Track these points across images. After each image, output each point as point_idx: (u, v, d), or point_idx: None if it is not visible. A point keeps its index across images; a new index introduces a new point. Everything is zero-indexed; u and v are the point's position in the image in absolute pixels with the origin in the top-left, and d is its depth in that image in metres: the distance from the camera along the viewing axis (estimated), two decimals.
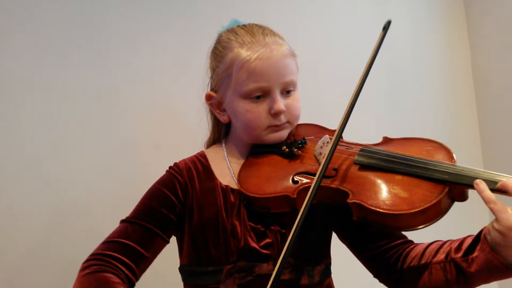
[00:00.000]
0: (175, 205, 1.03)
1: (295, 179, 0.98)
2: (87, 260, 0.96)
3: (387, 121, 1.97)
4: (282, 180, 0.99)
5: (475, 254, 0.87)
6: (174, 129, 1.47)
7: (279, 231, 1.00)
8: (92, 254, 0.97)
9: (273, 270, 0.95)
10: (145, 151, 1.41)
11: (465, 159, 2.19)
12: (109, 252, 0.97)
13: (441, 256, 0.93)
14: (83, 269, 0.95)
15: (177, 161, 1.10)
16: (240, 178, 1.03)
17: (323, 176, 0.89)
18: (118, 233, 1.00)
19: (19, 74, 1.26)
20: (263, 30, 1.06)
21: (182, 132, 1.47)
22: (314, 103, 1.57)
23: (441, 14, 2.26)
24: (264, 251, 0.98)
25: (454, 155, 0.93)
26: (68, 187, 1.29)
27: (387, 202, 0.86)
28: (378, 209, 0.85)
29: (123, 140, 1.40)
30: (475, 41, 2.28)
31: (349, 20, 1.94)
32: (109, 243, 0.99)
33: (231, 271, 0.97)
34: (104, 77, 1.38)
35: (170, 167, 1.09)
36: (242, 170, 1.05)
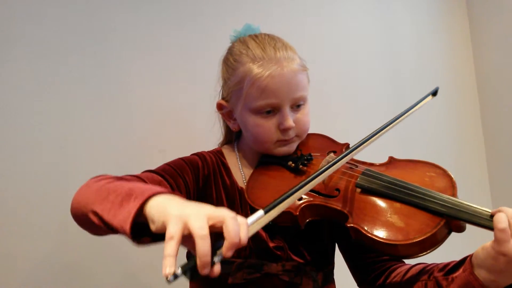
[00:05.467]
0: (192, 181, 1.04)
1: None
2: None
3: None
4: None
5: (456, 273, 0.88)
6: (179, 133, 1.48)
7: (286, 237, 1.04)
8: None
9: (281, 270, 1.00)
10: (150, 156, 1.42)
11: (469, 162, 2.21)
12: (124, 177, 0.93)
13: (424, 275, 0.95)
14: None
15: (201, 151, 1.12)
16: (247, 189, 1.05)
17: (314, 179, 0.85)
18: (136, 174, 0.99)
19: (27, 80, 1.26)
20: (275, 44, 1.05)
21: (186, 137, 1.48)
22: (317, 104, 1.57)
23: (444, 16, 2.21)
24: (276, 251, 1.02)
25: (456, 185, 0.93)
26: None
27: (383, 231, 0.88)
28: (374, 237, 0.88)
29: (129, 145, 1.40)
30: (477, 43, 2.24)
31: (350, 22, 1.92)
32: (125, 175, 0.96)
33: (241, 266, 1.00)
34: (109, 81, 1.38)
35: (197, 153, 1.11)
36: (250, 180, 1.08)
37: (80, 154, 1.33)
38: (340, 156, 0.88)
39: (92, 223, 0.78)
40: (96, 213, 0.76)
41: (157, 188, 0.72)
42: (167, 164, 1.05)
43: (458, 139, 2.20)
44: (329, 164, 0.85)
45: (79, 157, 1.33)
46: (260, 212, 0.70)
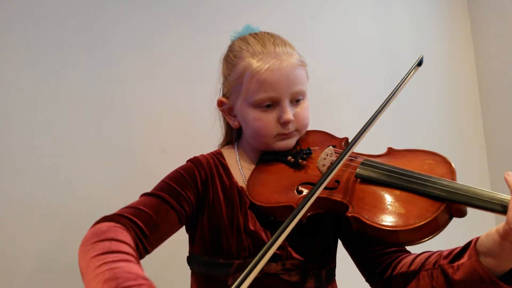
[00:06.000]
0: (193, 192, 1.05)
1: (299, 189, 1.00)
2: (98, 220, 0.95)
3: (390, 125, 1.96)
4: (287, 190, 1.01)
5: (462, 261, 0.87)
6: (180, 133, 1.48)
7: (289, 235, 1.03)
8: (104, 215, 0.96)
9: (281, 270, 1.00)
10: (151, 156, 1.42)
11: (470, 161, 2.20)
12: (122, 213, 0.96)
13: (430, 263, 0.94)
14: (92, 225, 0.94)
15: (197, 156, 1.13)
16: (248, 186, 1.06)
17: (321, 185, 0.88)
18: (133, 203, 1.01)
19: (28, 81, 1.27)
20: (274, 40, 1.08)
21: (187, 136, 1.48)
22: (318, 104, 1.59)
23: (445, 17, 2.22)
24: (275, 251, 1.00)
25: (455, 171, 0.93)
26: (76, 193, 1.30)
27: (384, 218, 0.88)
28: (375, 224, 0.87)
29: (129, 145, 1.41)
30: (479, 43, 2.26)
31: (350, 21, 1.93)
32: (123, 208, 0.99)
33: (241, 266, 0.99)
34: (108, 81, 1.39)
35: (191, 160, 1.12)
36: (251, 177, 1.08)
37: (81, 154, 1.33)
38: (333, 167, 0.89)
39: None
40: None
41: (132, 284, 0.73)
42: (165, 181, 1.06)
43: (459, 139, 2.19)
44: (313, 190, 0.85)
45: (81, 158, 1.33)
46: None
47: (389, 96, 1.02)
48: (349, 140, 1.13)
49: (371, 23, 1.99)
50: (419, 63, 1.11)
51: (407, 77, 1.05)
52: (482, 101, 2.26)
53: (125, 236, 0.88)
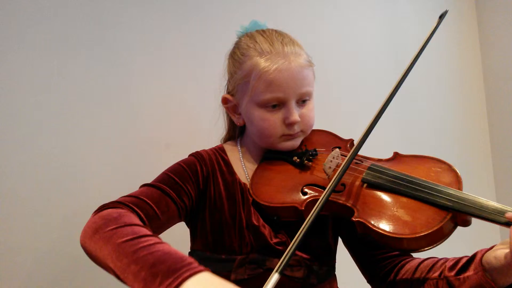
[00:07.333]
0: (193, 186, 1.05)
1: (304, 191, 1.00)
2: (99, 207, 0.93)
3: (395, 124, 1.96)
4: (292, 190, 1.01)
5: (468, 274, 0.88)
6: (184, 128, 1.48)
7: (290, 232, 1.03)
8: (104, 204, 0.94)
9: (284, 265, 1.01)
10: (155, 151, 1.42)
11: (475, 162, 2.20)
12: (123, 201, 0.94)
13: (435, 273, 0.95)
14: (95, 211, 0.92)
15: (199, 151, 1.12)
16: (252, 184, 1.05)
17: (332, 191, 0.89)
18: (134, 192, 1.00)
19: (32, 75, 1.25)
20: (283, 39, 1.06)
21: (192, 131, 1.48)
22: (322, 102, 1.59)
23: (452, 16, 2.20)
24: (277, 247, 1.01)
25: (461, 180, 0.93)
26: (81, 186, 1.30)
27: (389, 225, 0.88)
28: (380, 231, 0.88)
29: (134, 139, 1.40)
30: (485, 42, 2.24)
31: (356, 21, 1.92)
32: (124, 197, 0.97)
33: (243, 261, 1.00)
34: (114, 76, 1.38)
35: (194, 154, 1.11)
36: (254, 175, 1.07)
37: (86, 148, 1.33)
38: (343, 168, 0.90)
39: (107, 271, 0.80)
40: (115, 273, 0.77)
41: (184, 264, 0.71)
42: (166, 173, 1.05)
43: (464, 139, 2.19)
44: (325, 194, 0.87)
45: (85, 152, 1.33)
46: (275, 276, 0.72)
47: (413, 59, 1.04)
48: (355, 142, 1.13)
49: (376, 21, 1.98)
50: (443, 14, 1.12)
51: (434, 31, 1.08)
52: (488, 104, 2.26)
53: (138, 220, 0.87)
